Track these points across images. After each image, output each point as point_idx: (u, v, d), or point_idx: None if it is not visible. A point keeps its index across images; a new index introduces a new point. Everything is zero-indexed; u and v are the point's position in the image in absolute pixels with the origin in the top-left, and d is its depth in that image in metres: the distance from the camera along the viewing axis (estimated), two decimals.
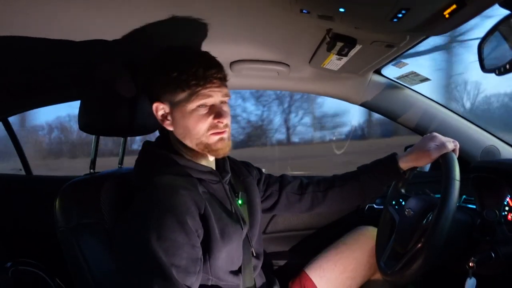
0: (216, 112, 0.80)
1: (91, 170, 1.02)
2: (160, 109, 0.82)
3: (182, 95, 0.78)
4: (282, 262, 1.42)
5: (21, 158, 1.81)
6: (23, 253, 1.37)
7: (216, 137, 0.81)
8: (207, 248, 0.77)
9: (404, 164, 0.99)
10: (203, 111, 0.79)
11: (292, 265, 1.39)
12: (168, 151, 0.84)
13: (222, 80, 0.81)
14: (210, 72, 0.78)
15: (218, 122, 0.80)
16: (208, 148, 0.81)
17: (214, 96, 0.79)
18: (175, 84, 0.78)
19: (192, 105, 0.78)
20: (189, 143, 0.82)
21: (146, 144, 0.88)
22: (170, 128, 0.83)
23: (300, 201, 1.07)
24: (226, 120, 0.81)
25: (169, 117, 0.82)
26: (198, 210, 0.76)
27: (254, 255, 0.93)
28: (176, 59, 0.79)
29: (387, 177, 1.01)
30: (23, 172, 1.82)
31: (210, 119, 0.79)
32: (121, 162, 1.18)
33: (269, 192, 1.07)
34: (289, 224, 1.44)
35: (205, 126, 0.80)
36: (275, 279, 1.05)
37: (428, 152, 0.91)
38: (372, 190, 1.03)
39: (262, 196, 1.06)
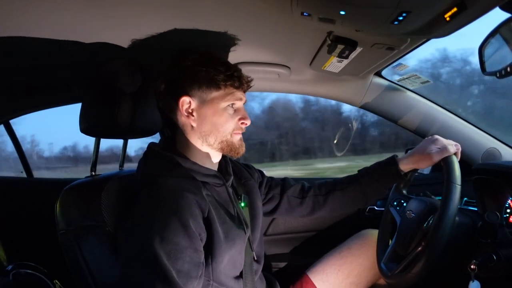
0: (242, 114, 0.86)
1: (92, 173, 1.02)
2: (186, 103, 0.83)
3: (216, 93, 0.83)
4: (282, 264, 1.42)
5: (22, 161, 1.81)
6: (24, 256, 1.37)
7: (238, 136, 0.87)
8: (211, 251, 0.77)
9: (405, 166, 0.98)
10: (231, 111, 0.85)
11: (292, 267, 1.38)
12: (173, 153, 0.84)
13: (248, 87, 0.88)
14: (244, 77, 0.86)
15: (242, 123, 0.86)
16: (231, 147, 0.85)
17: (243, 99, 0.87)
18: (211, 82, 0.82)
19: (224, 104, 0.83)
20: (212, 140, 0.84)
21: (152, 145, 0.88)
22: (194, 124, 0.84)
23: (301, 205, 1.07)
24: (249, 123, 0.87)
25: (194, 113, 0.83)
26: (202, 213, 0.76)
27: (255, 259, 0.92)
28: (213, 59, 0.84)
29: (387, 179, 1.01)
30: (24, 175, 1.83)
31: (236, 120, 0.85)
32: (122, 164, 1.18)
33: (271, 195, 1.07)
34: (290, 226, 1.44)
35: (232, 125, 0.85)
36: (276, 282, 1.05)
37: (429, 155, 0.91)
38: (374, 192, 1.02)
39: (264, 199, 1.05)
